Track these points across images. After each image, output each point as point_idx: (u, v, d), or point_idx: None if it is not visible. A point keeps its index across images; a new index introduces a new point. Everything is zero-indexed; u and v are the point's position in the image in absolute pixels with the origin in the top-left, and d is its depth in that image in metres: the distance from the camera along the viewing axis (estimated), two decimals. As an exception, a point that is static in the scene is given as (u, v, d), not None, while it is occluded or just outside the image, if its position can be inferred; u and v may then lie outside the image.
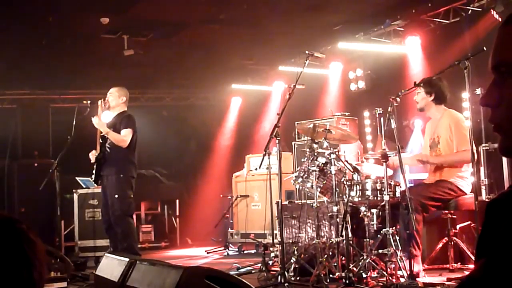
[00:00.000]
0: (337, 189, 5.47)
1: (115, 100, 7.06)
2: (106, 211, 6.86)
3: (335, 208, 5.46)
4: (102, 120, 6.85)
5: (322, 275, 5.23)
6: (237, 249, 9.27)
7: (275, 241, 6.55)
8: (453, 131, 5.70)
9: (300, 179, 5.69)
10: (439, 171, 5.84)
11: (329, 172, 5.53)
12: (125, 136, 6.79)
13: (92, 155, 6.89)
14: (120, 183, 6.74)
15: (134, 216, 10.12)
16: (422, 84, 5.73)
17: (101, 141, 6.84)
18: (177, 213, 11.28)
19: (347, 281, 5.03)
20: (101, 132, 6.84)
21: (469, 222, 5.90)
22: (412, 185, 6.15)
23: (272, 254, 6.56)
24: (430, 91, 5.83)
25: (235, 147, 11.80)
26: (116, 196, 6.67)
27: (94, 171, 6.88)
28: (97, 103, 7.01)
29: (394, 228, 5.28)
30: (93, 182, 7.17)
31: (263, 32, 8.89)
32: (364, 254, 5.31)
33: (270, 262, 6.38)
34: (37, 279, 1.32)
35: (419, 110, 6.11)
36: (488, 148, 6.31)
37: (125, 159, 6.85)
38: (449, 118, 5.79)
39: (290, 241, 6.33)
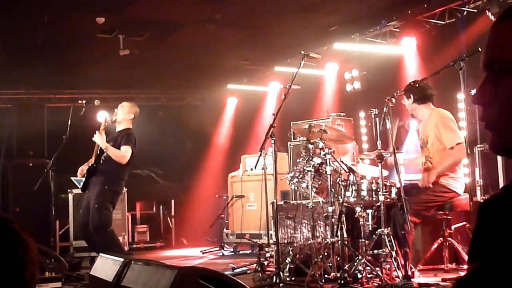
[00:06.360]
0: (333, 190, 5.47)
1: (123, 115, 6.99)
2: (85, 216, 6.80)
3: (330, 209, 5.46)
4: (103, 134, 6.80)
5: (317, 275, 5.23)
6: (232, 250, 9.27)
7: (271, 241, 6.56)
8: (441, 129, 5.71)
9: (296, 180, 5.69)
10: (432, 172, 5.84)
11: (324, 172, 5.53)
12: (125, 153, 6.73)
13: (82, 168, 6.86)
14: (102, 194, 6.69)
15: (130, 216, 10.16)
16: (404, 90, 5.84)
17: (98, 152, 6.79)
18: (173, 213, 11.28)
19: (342, 282, 5.02)
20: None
21: (464, 223, 5.92)
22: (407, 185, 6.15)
23: (267, 255, 6.56)
24: (408, 95, 5.91)
25: (231, 147, 11.80)
26: (96, 206, 6.64)
27: (84, 180, 6.85)
28: (104, 119, 6.91)
29: (389, 228, 5.28)
30: (81, 190, 7.09)
31: (259, 32, 8.89)
32: (359, 254, 5.31)
33: (265, 263, 6.37)
34: (28, 279, 1.31)
35: (411, 116, 6.18)
36: (483, 149, 6.33)
37: (115, 173, 6.81)
38: (436, 117, 5.83)
39: (285, 242, 6.33)
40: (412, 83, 5.94)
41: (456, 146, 5.62)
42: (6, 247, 1.30)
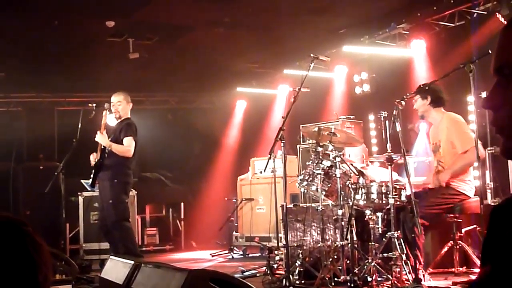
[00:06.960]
0: (342, 192, 5.46)
1: (125, 109, 6.98)
2: (103, 216, 6.86)
3: (340, 212, 5.46)
4: (104, 133, 6.81)
5: (327, 278, 5.22)
6: (241, 252, 9.27)
7: (280, 244, 6.55)
8: (454, 133, 5.70)
9: (305, 182, 5.68)
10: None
11: (334, 175, 5.52)
12: (128, 146, 6.73)
13: (93, 156, 6.88)
14: (114, 188, 6.70)
15: (139, 219, 10.18)
16: (416, 91, 5.80)
17: (102, 147, 6.82)
18: (182, 216, 11.30)
19: (352, 285, 5.01)
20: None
21: (474, 226, 5.88)
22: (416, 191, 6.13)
23: (277, 258, 6.56)
24: (425, 95, 5.88)
25: (240, 150, 11.80)
26: (110, 201, 6.64)
27: (92, 176, 6.87)
28: (103, 113, 6.94)
29: (399, 231, 5.26)
30: (90, 186, 7.12)
31: (268, 35, 8.90)
32: (369, 257, 5.29)
33: (275, 266, 6.37)
34: (42, 281, 1.32)
35: (421, 118, 6.15)
36: (493, 151, 6.30)
37: (121, 165, 6.80)
38: (447, 121, 5.81)
39: (295, 244, 6.32)
40: (422, 86, 5.92)
41: (469, 149, 5.60)
42: (19, 249, 1.31)
